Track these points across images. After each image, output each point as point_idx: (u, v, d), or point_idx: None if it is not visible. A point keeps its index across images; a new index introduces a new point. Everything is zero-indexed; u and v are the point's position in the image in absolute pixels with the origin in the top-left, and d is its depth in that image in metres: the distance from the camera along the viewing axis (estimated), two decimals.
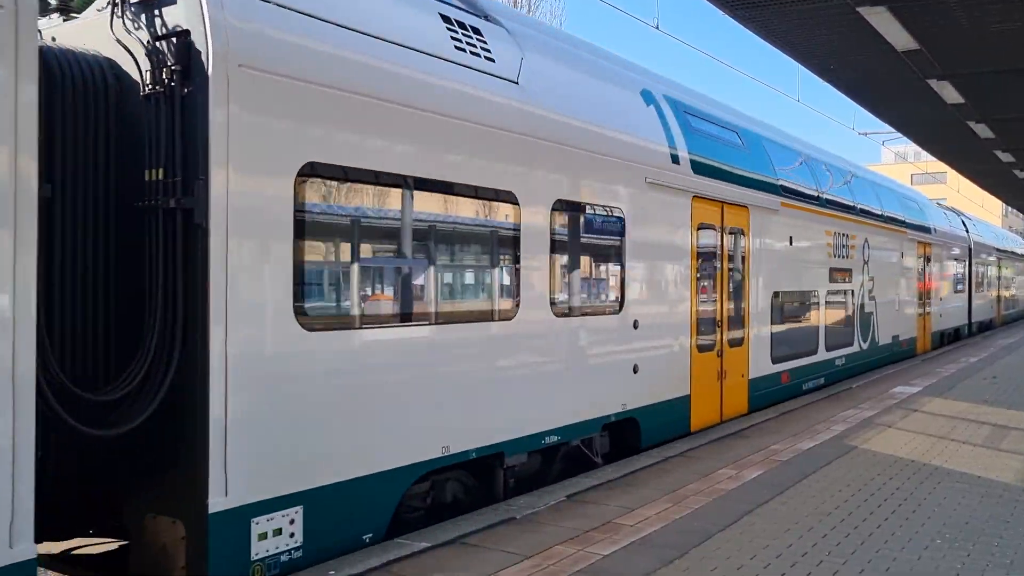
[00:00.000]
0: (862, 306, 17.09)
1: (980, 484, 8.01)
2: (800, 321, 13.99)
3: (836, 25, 12.35)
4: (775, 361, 12.73)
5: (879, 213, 18.38)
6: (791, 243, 13.30)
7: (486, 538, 6.22)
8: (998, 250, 35.15)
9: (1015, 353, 22.03)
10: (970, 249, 28.69)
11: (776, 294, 12.70)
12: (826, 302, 14.95)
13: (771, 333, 12.57)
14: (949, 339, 25.97)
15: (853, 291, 16.50)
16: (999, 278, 35.75)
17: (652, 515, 6.88)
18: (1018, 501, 7.39)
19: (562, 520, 6.70)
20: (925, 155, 29.53)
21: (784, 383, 13.19)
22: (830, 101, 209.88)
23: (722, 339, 11.05)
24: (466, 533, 6.27)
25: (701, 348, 10.52)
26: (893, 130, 22.65)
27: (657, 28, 13.36)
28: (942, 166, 31.63)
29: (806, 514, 6.97)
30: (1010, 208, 65.69)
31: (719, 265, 11.04)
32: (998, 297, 35.59)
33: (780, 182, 13.04)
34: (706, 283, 10.75)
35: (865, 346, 17.39)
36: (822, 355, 14.88)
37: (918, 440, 10.17)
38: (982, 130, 20.42)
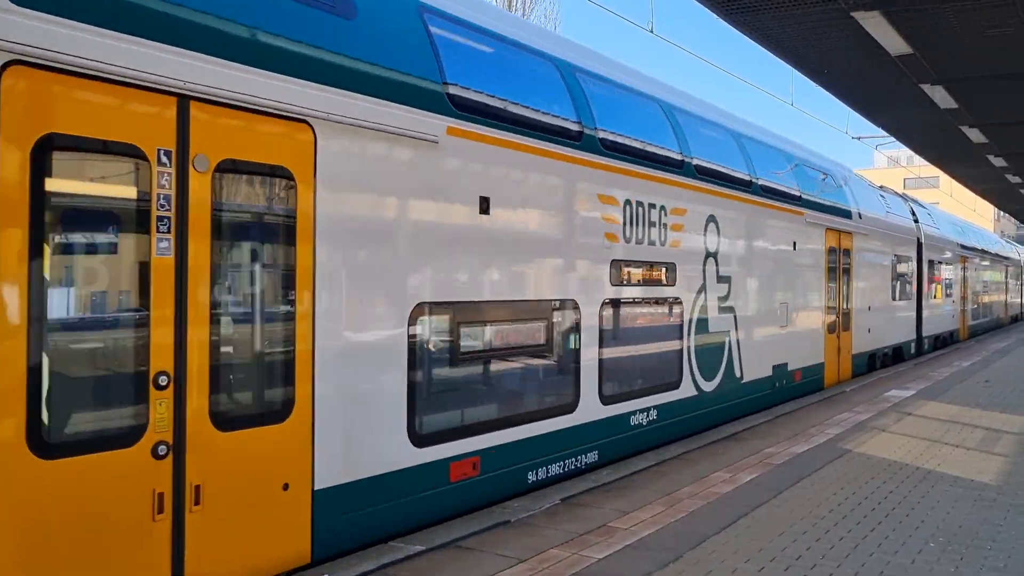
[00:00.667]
0: (704, 323, 10.86)
1: (974, 488, 8.03)
2: (524, 357, 7.98)
3: (830, 29, 12.42)
4: (425, 441, 6.63)
5: (747, 180, 12.10)
6: (485, 211, 7.24)
7: (481, 541, 6.22)
8: (963, 247, 28.45)
9: (1009, 356, 22.11)
10: (920, 243, 22.39)
11: (428, 307, 6.69)
12: (602, 318, 8.78)
13: (410, 384, 6.46)
14: (886, 361, 19.70)
15: (680, 299, 10.28)
16: (964, 281, 28.99)
17: (647, 518, 6.88)
18: (1012, 505, 7.41)
19: (557, 523, 6.69)
20: (918, 159, 29.63)
21: (460, 480, 6.96)
22: (823, 105, 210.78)
23: (192, 409, 5.00)
24: (461, 536, 6.26)
25: (63, 448, 4.50)
26: (886, 134, 22.78)
27: (652, 32, 13.39)
28: (935, 170, 31.76)
29: (800, 517, 6.98)
30: (1002, 212, 65.97)
31: (167, 247, 4.92)
32: (963, 305, 29.12)
33: (450, 88, 6.95)
34: (94, 289, 4.91)
35: (710, 387, 11.03)
36: (589, 413, 8.58)
37: (912, 444, 10.19)
38: (975, 135, 20.55)
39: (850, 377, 16.84)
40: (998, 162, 25.43)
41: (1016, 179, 30.00)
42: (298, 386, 5.64)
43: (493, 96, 7.56)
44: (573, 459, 8.45)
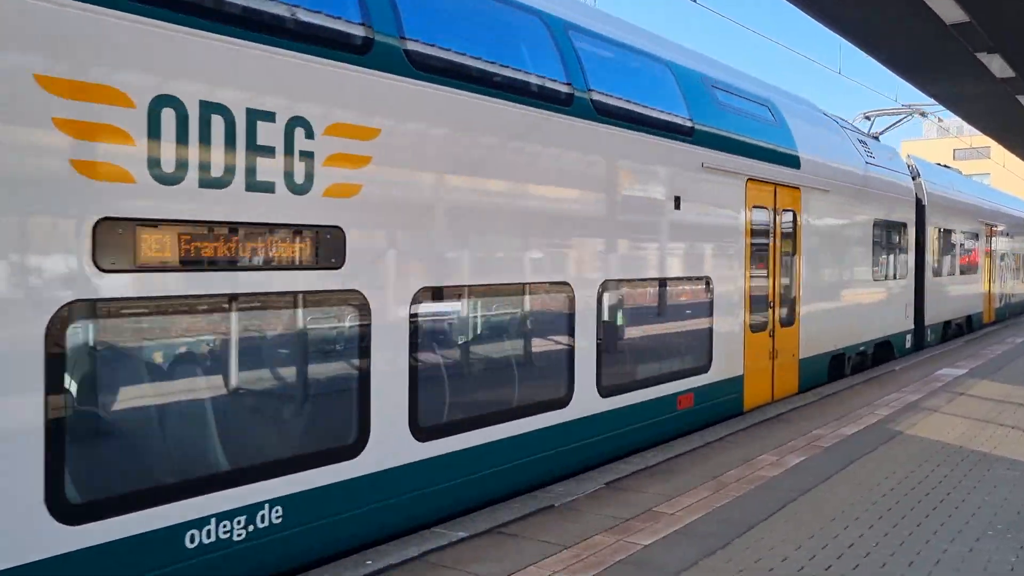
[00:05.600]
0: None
1: None
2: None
3: None
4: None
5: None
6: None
7: (524, 527, 6.15)
8: None
9: None
10: None
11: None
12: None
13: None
14: None
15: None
16: None
17: (693, 503, 6.76)
18: None
19: (601, 508, 6.60)
20: (967, 128, 28.87)
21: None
22: (871, 72, 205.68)
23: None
24: (504, 522, 6.20)
25: None
26: (934, 103, 22.10)
27: (696, 1, 13.04)
28: (985, 140, 30.87)
29: (851, 503, 6.81)
30: None
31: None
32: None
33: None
34: None
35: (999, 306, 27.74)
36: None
37: (965, 425, 9.91)
38: None
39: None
40: None
41: None
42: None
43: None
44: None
